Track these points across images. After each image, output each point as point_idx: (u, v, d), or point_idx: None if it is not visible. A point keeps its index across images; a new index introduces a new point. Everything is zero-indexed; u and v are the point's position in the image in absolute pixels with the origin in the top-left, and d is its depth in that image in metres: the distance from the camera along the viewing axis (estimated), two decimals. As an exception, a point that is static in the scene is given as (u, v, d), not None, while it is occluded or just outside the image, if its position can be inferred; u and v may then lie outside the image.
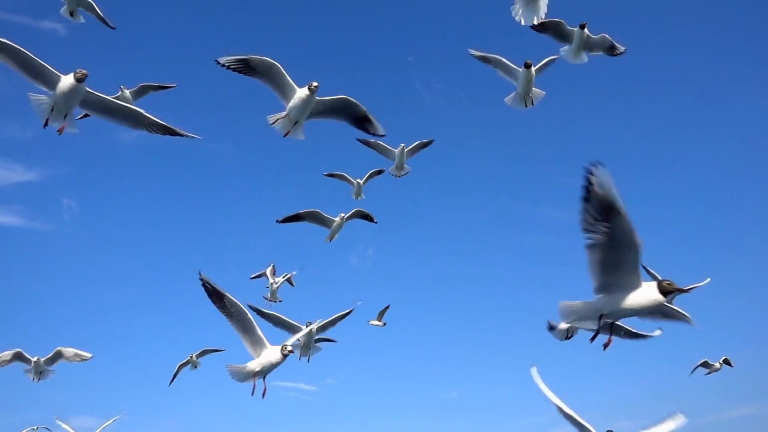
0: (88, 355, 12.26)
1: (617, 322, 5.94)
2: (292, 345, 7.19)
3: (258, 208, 25.40)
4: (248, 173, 27.73)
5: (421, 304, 26.30)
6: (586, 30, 9.82)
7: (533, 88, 10.01)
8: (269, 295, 14.49)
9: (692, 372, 14.94)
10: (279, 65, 7.42)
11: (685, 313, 6.49)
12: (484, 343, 25.39)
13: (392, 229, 25.65)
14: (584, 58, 10.09)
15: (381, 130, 8.19)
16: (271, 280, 14.49)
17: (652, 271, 9.09)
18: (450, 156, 26.69)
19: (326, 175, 13.31)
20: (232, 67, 7.26)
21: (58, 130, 6.99)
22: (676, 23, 27.22)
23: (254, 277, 14.76)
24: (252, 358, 7.12)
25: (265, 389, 7.11)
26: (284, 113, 7.74)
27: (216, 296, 7.04)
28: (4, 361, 11.96)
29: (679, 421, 7.04)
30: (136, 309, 25.21)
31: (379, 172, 13.02)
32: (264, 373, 7.05)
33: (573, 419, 6.48)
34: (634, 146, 27.52)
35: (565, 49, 9.99)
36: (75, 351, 12.21)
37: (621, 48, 10.10)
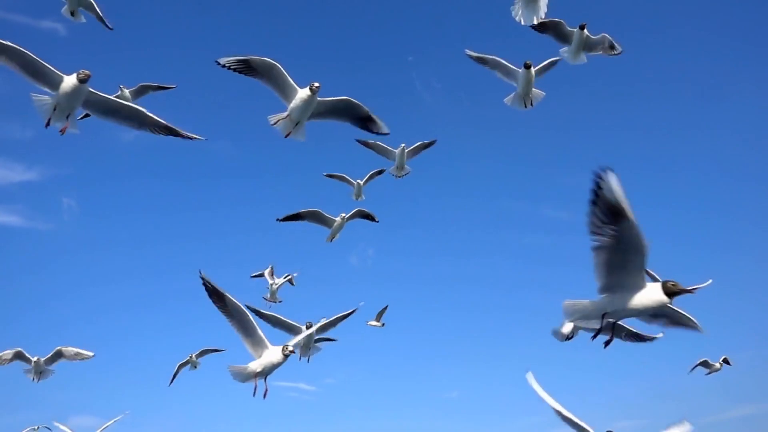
0: (90, 354, 12.25)
1: (619, 323, 5.96)
2: (293, 345, 7.19)
3: (258, 208, 25.44)
4: (248, 173, 27.77)
5: (421, 304, 26.33)
6: (585, 31, 9.83)
7: (533, 89, 10.00)
8: (269, 295, 14.50)
9: (691, 370, 14.95)
10: (280, 66, 7.40)
11: (693, 319, 6.39)
12: (484, 343, 25.43)
13: (392, 229, 25.71)
14: (584, 58, 10.09)
15: (385, 129, 8.18)
16: (270, 281, 14.50)
17: (651, 272, 9.07)
18: (450, 156, 26.70)
19: (326, 176, 13.34)
20: (232, 67, 7.25)
21: (61, 131, 6.98)
22: (676, 23, 27.25)
23: (255, 276, 14.78)
24: (253, 359, 7.11)
25: (266, 390, 7.12)
26: (285, 114, 7.72)
27: (216, 296, 7.03)
28: (4, 360, 11.96)
29: (685, 428, 6.99)
30: (136, 309, 25.23)
31: (380, 172, 13.00)
32: (265, 373, 7.05)
33: (572, 422, 6.46)
34: (634, 146, 27.56)
35: (564, 50, 10.00)
36: (76, 350, 12.20)
37: (618, 48, 10.09)
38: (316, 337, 11.13)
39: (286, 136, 7.88)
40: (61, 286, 24.66)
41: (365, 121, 8.04)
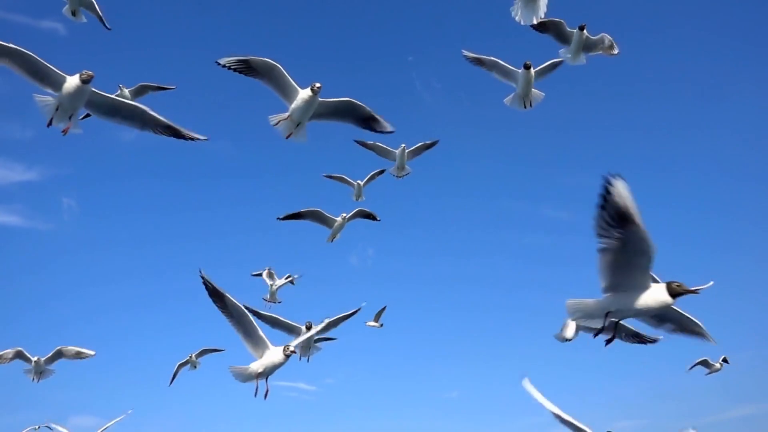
0: (91, 352, 12.25)
1: (622, 323, 5.96)
2: (294, 346, 7.19)
3: (258, 208, 25.46)
4: (248, 173, 27.77)
5: (421, 304, 26.34)
6: (585, 31, 9.83)
7: (533, 90, 9.96)
8: (268, 296, 14.50)
9: (690, 368, 14.94)
10: (280, 66, 7.36)
11: (702, 326, 6.22)
12: (484, 343, 25.43)
13: (392, 229, 25.72)
14: (583, 59, 10.09)
15: (389, 127, 8.12)
16: (269, 282, 14.49)
17: (651, 273, 9.04)
18: (450, 156, 26.70)
19: (326, 177, 13.33)
20: (232, 67, 7.22)
21: (63, 131, 6.96)
22: (676, 23, 27.26)
23: (255, 275, 14.78)
24: (254, 359, 7.12)
25: (267, 390, 7.12)
26: (286, 114, 7.67)
27: (216, 296, 7.03)
28: (5, 358, 11.96)
29: None
30: (136, 309, 25.24)
31: (381, 172, 12.96)
32: (267, 374, 7.05)
33: (571, 424, 6.45)
34: (634, 146, 27.57)
35: (564, 51, 9.99)
36: (77, 349, 12.20)
37: (617, 49, 10.08)
38: (319, 337, 11.12)
39: (287, 138, 7.83)
40: (61, 286, 24.69)
41: (368, 121, 7.99)
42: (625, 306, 5.08)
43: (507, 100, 10.23)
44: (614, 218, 4.52)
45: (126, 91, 11.22)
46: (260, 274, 14.71)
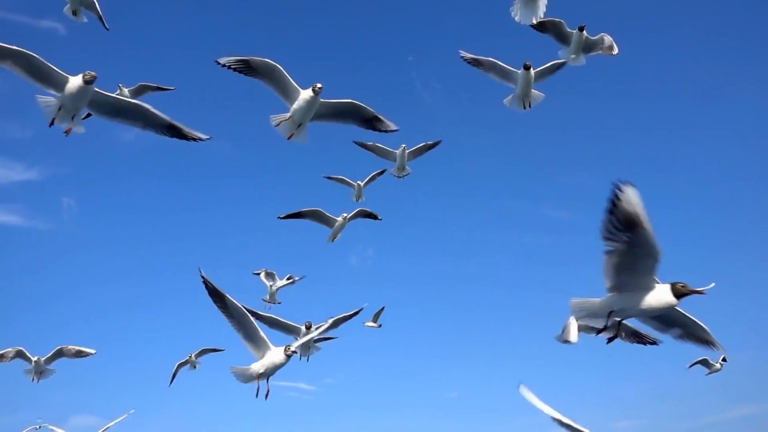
0: (92, 351, 12.26)
1: (624, 323, 5.95)
2: (295, 346, 7.20)
3: (258, 208, 25.49)
4: (248, 173, 27.79)
5: (420, 303, 26.37)
6: (584, 32, 9.82)
7: (532, 90, 9.89)
8: (268, 297, 14.50)
9: (690, 366, 14.93)
10: (281, 67, 7.32)
11: (710, 332, 6.02)
12: (484, 343, 25.46)
13: (392, 229, 25.72)
14: (582, 60, 10.08)
15: (393, 126, 8.08)
16: (268, 284, 14.49)
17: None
18: (450, 156, 26.71)
19: (325, 179, 13.32)
20: (232, 66, 7.19)
21: (65, 131, 6.89)
22: (676, 23, 27.27)
23: (257, 273, 14.78)
24: (254, 359, 7.13)
25: (268, 390, 7.12)
26: (288, 115, 7.61)
27: (217, 296, 7.03)
28: (6, 357, 11.97)
29: None
30: (136, 309, 25.26)
31: (381, 172, 12.92)
32: (268, 374, 7.06)
33: (572, 428, 6.43)
34: (634, 146, 27.63)
35: (563, 51, 9.97)
36: (77, 348, 12.20)
37: (616, 49, 10.06)
38: (319, 337, 11.11)
39: (288, 139, 7.77)
40: (61, 286, 24.71)
41: (372, 122, 7.96)
42: (629, 306, 5.11)
43: (506, 100, 10.19)
44: (622, 223, 4.57)
45: (126, 91, 11.24)
46: (260, 274, 14.71)
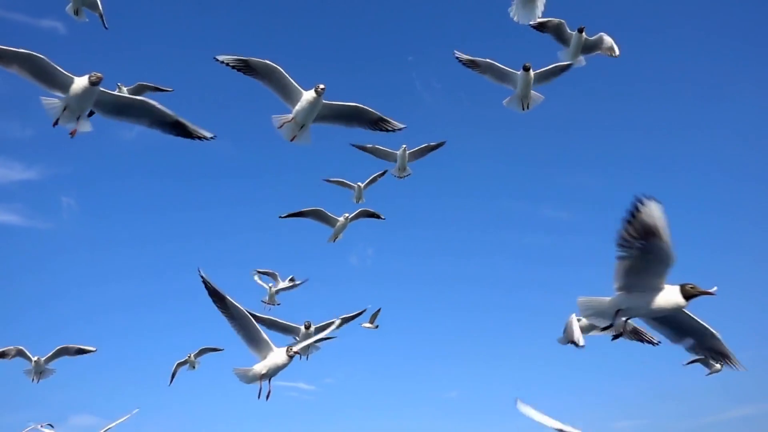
0: (92, 348, 12.28)
1: (629, 322, 5.97)
2: (297, 347, 7.21)
3: (258, 208, 25.46)
4: (248, 173, 27.74)
5: (420, 303, 26.33)
6: (584, 34, 9.82)
7: (531, 92, 9.78)
8: (267, 298, 14.51)
9: (687, 363, 14.88)
10: (281, 68, 7.26)
11: (723, 342, 5.64)
12: (483, 343, 25.42)
13: (392, 229, 25.73)
14: (582, 61, 10.08)
15: (399, 125, 8.04)
16: (267, 285, 14.51)
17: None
18: (450, 156, 26.67)
19: (325, 181, 13.30)
20: (231, 65, 7.16)
21: (71, 133, 6.83)
22: (676, 23, 27.27)
23: (261, 272, 14.81)
24: (254, 360, 7.13)
25: (269, 391, 7.13)
26: (290, 116, 7.55)
27: (217, 297, 7.03)
28: (8, 354, 12.00)
29: None
30: (136, 309, 25.21)
31: (383, 174, 12.88)
32: (270, 375, 7.07)
33: None
34: (634, 146, 27.62)
35: (563, 53, 9.96)
36: (77, 347, 12.22)
37: (617, 50, 10.04)
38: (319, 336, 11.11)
39: (290, 140, 7.70)
40: (61, 285, 24.67)
41: (377, 123, 7.92)
42: (637, 305, 5.14)
43: (506, 101, 10.15)
44: (640, 233, 4.63)
45: (125, 90, 11.22)
46: (265, 273, 14.72)
